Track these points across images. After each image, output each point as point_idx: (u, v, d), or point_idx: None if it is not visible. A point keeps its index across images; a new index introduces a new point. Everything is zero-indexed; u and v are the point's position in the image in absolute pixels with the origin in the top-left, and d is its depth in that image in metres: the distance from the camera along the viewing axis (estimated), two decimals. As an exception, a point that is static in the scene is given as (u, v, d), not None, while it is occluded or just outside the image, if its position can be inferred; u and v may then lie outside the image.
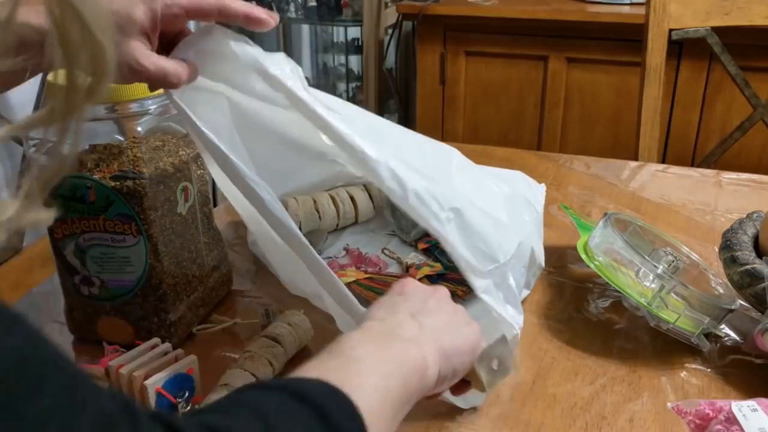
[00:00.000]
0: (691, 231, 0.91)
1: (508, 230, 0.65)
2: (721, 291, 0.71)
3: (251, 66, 0.56)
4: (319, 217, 0.87)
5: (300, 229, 0.84)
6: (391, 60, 2.38)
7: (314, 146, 0.78)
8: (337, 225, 0.89)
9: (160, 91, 0.63)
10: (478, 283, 0.58)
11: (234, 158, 0.55)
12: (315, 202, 0.87)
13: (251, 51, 0.56)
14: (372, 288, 0.74)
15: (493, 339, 0.56)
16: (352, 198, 0.89)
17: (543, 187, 0.79)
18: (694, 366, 0.65)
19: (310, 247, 0.55)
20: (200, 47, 0.56)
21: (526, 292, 0.75)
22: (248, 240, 0.86)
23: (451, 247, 0.57)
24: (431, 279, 0.76)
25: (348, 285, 0.66)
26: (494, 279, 0.59)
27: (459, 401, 0.58)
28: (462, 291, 0.74)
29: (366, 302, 0.62)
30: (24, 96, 1.50)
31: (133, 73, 0.52)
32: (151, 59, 0.52)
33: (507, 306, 0.60)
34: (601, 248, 0.70)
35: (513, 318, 0.59)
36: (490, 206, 0.65)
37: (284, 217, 0.55)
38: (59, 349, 0.30)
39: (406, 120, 2.45)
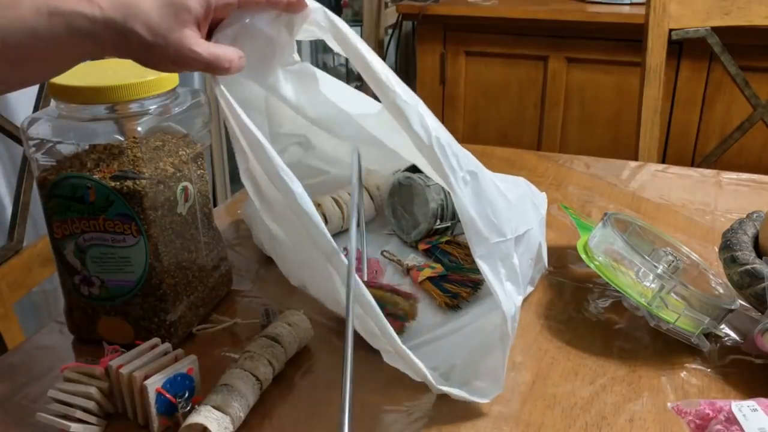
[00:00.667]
0: (691, 231, 0.91)
1: (518, 214, 0.66)
2: (721, 291, 0.71)
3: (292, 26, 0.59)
4: (326, 221, 0.86)
5: None
6: (391, 60, 2.38)
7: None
8: (342, 227, 0.89)
9: (160, 91, 0.63)
10: (478, 248, 0.58)
11: (270, 149, 0.55)
12: (319, 205, 0.87)
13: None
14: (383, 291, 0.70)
15: (491, 337, 0.56)
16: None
17: (545, 195, 0.80)
18: (694, 366, 0.65)
19: (335, 246, 0.55)
20: (238, 27, 0.57)
21: (530, 289, 0.75)
22: (252, 234, 0.86)
23: (462, 206, 0.58)
24: (433, 281, 0.76)
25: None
26: (499, 253, 0.59)
27: (477, 396, 0.58)
28: (466, 293, 0.74)
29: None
30: (24, 96, 1.50)
31: (186, 61, 0.52)
32: (204, 46, 0.52)
33: (507, 283, 0.60)
34: (601, 248, 0.70)
35: (512, 295, 0.58)
36: (503, 187, 0.65)
37: (313, 212, 0.54)
38: None
39: (406, 120, 2.45)
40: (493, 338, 0.59)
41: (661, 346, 0.67)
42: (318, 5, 0.60)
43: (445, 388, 0.57)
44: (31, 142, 0.62)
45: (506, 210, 0.62)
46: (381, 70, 0.57)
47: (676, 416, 0.54)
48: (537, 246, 0.72)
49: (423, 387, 0.58)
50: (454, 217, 0.85)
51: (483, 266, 0.58)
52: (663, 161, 1.90)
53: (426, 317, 0.72)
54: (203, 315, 0.72)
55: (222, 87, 0.56)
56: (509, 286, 0.59)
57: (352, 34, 0.58)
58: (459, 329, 0.69)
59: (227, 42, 0.56)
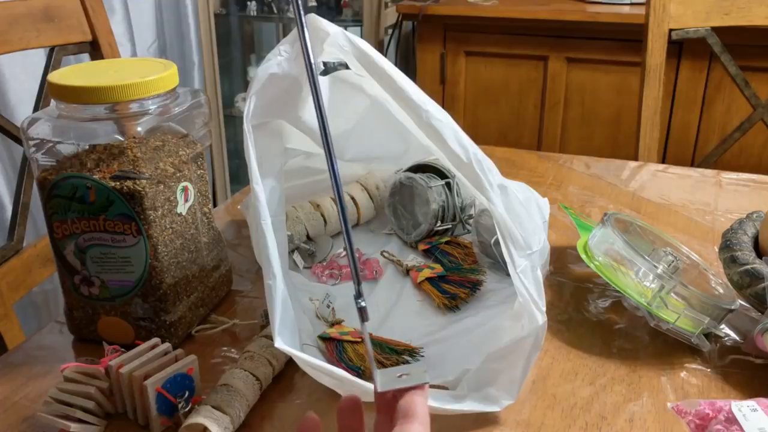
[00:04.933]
0: (691, 231, 0.91)
1: (536, 224, 0.66)
2: (721, 291, 0.71)
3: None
4: (324, 221, 0.86)
5: (307, 236, 0.85)
6: (391, 60, 2.38)
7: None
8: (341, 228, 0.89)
9: (160, 91, 0.63)
10: (519, 261, 0.58)
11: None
12: (318, 206, 0.86)
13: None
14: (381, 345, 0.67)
15: (509, 344, 0.55)
16: (353, 199, 0.89)
17: (546, 200, 0.80)
18: (694, 366, 0.65)
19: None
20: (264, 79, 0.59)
21: None
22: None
23: (502, 220, 0.57)
24: (432, 281, 0.76)
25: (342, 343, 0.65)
26: (530, 265, 0.59)
27: (488, 405, 0.57)
28: (464, 293, 0.74)
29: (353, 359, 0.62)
30: (24, 96, 1.50)
31: None
32: None
33: (535, 294, 0.59)
34: (601, 248, 0.70)
35: (540, 308, 0.58)
36: (521, 197, 0.65)
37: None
38: None
39: (406, 120, 2.45)
40: (511, 346, 0.57)
41: (661, 346, 0.67)
42: (338, 28, 0.60)
43: (455, 407, 0.56)
44: (31, 142, 0.62)
45: (528, 221, 0.62)
46: (410, 89, 0.57)
47: (676, 416, 0.54)
48: (548, 252, 0.72)
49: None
50: (455, 218, 0.85)
51: (522, 280, 0.57)
52: (663, 161, 1.90)
53: (427, 318, 0.72)
54: (203, 315, 0.72)
55: (249, 142, 0.58)
56: (536, 298, 0.59)
57: (376, 55, 0.58)
58: (466, 332, 0.68)
59: (256, 89, 0.58)
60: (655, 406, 0.60)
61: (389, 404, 0.43)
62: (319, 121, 0.46)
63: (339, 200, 0.46)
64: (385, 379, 0.44)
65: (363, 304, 0.45)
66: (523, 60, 2.10)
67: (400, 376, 0.43)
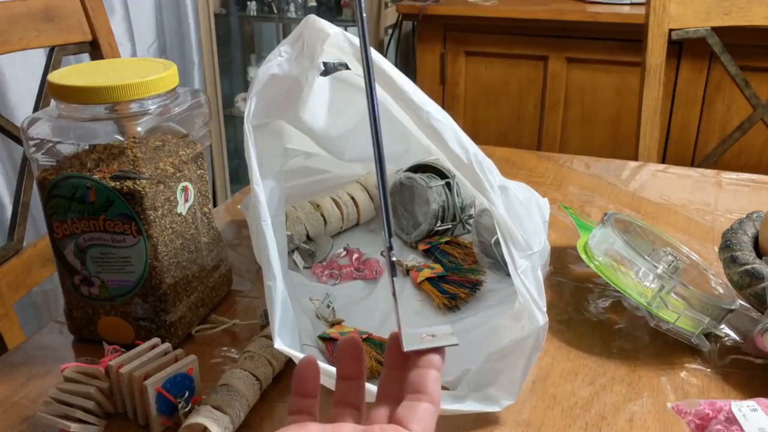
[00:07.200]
0: (691, 231, 0.91)
1: (536, 224, 0.66)
2: (721, 291, 0.71)
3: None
4: (324, 221, 0.86)
5: (307, 236, 0.85)
6: (391, 60, 2.37)
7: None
8: (341, 228, 0.89)
9: (160, 91, 0.63)
10: (520, 262, 0.58)
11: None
12: (318, 206, 0.86)
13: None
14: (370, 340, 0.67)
15: (509, 345, 0.55)
16: (353, 199, 0.89)
17: (546, 201, 0.80)
18: (694, 366, 0.65)
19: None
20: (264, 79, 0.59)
21: None
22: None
23: (502, 220, 0.58)
24: (432, 281, 0.76)
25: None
26: (531, 266, 0.59)
27: (488, 405, 0.57)
28: (464, 293, 0.74)
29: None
30: (24, 96, 1.50)
31: None
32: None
33: (535, 294, 0.59)
34: (601, 248, 0.70)
35: (541, 308, 0.58)
36: (521, 197, 0.65)
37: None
38: None
39: (406, 120, 2.45)
40: (512, 346, 0.56)
41: (661, 346, 0.67)
42: (338, 29, 0.60)
43: (455, 407, 0.55)
44: (31, 142, 0.62)
45: (528, 221, 0.62)
46: (410, 89, 0.57)
47: (676, 416, 0.54)
48: (548, 252, 0.72)
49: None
50: (455, 218, 0.85)
51: (524, 281, 0.57)
52: (663, 161, 1.91)
53: (427, 318, 0.72)
54: (203, 315, 0.72)
55: (249, 142, 0.58)
56: (537, 298, 0.59)
57: (376, 56, 0.58)
58: (466, 332, 0.68)
59: (257, 90, 0.58)
60: (655, 406, 0.60)
61: (401, 361, 0.40)
62: (371, 118, 0.45)
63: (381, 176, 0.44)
64: (411, 340, 0.40)
65: (394, 258, 0.43)
66: (523, 60, 2.10)
67: (424, 337, 0.40)
